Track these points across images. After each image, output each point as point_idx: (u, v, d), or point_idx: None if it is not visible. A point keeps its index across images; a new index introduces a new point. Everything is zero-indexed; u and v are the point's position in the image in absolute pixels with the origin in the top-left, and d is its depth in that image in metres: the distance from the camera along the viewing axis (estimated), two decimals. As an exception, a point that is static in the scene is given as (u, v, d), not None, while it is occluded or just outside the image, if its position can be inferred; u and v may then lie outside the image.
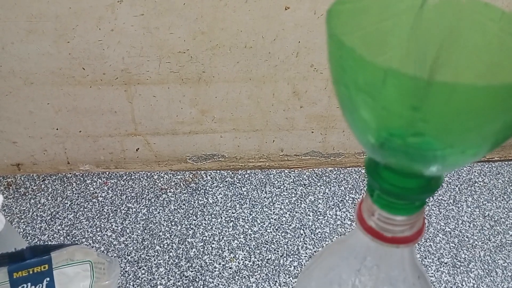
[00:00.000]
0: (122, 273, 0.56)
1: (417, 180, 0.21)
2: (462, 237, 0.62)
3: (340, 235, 0.62)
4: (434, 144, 0.16)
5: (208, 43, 0.58)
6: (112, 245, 0.59)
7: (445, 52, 0.18)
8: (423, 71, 0.17)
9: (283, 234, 0.61)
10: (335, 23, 0.18)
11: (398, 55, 0.19)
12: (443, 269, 0.58)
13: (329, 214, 0.65)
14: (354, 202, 0.67)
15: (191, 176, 0.70)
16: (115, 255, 0.58)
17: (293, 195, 0.68)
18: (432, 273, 0.57)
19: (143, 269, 0.56)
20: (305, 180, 0.71)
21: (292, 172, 0.72)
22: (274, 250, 0.59)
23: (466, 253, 0.60)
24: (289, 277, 0.56)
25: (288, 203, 0.66)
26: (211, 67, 0.61)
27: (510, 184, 0.70)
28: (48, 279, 0.37)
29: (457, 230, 0.63)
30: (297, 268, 0.57)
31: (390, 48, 0.20)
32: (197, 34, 0.57)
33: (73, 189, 0.67)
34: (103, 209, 0.64)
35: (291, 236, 0.61)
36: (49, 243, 0.58)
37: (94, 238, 0.60)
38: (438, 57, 0.17)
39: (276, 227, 0.62)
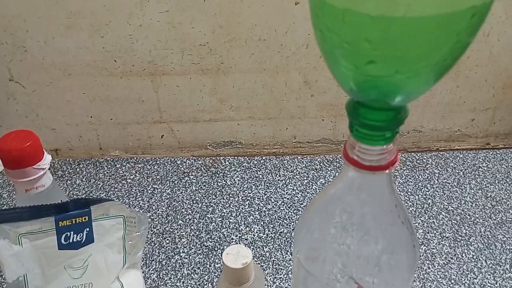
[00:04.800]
0: (148, 242, 0.62)
1: (386, 113, 0.26)
2: (464, 215, 0.66)
3: (348, 212, 0.67)
4: (384, 71, 0.22)
5: (226, 36, 0.65)
6: (140, 220, 0.66)
7: None
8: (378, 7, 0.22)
9: (295, 211, 0.67)
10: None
11: None
12: (444, 242, 0.61)
13: (339, 194, 0.69)
14: (362, 184, 0.71)
15: (211, 161, 0.76)
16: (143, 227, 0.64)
17: (305, 178, 0.73)
18: (434, 245, 0.61)
19: (167, 239, 0.62)
20: (317, 165, 0.76)
21: (305, 158, 0.77)
22: (287, 224, 0.64)
23: (467, 229, 0.63)
24: (299, 248, 0.61)
25: (300, 185, 0.71)
26: (229, 58, 0.67)
27: (513, 169, 0.74)
28: (88, 229, 0.43)
29: (459, 209, 0.67)
30: (307, 240, 0.62)
31: None
32: (216, 28, 0.64)
33: (105, 172, 0.74)
34: (131, 189, 0.71)
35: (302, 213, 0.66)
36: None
37: (123, 213, 0.66)
38: None
39: (289, 205, 0.68)
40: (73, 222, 0.43)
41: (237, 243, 0.62)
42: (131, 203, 0.68)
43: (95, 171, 0.75)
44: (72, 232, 0.43)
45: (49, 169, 0.43)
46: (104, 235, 0.44)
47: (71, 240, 0.43)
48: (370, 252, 0.31)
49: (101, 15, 0.62)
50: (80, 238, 0.43)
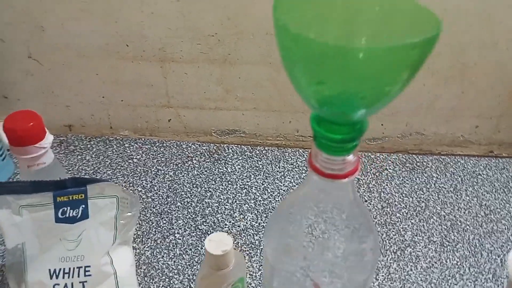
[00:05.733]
0: (146, 221, 0.65)
1: (344, 127, 0.28)
2: (455, 221, 0.67)
3: (341, 208, 0.68)
4: (332, 91, 0.23)
5: (234, 28, 0.66)
6: (141, 198, 0.69)
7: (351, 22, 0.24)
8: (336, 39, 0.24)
9: (289, 203, 0.69)
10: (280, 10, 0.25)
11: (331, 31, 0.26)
12: (431, 246, 0.63)
13: (334, 190, 0.71)
14: (359, 181, 0.73)
15: (215, 148, 0.79)
16: (143, 206, 0.68)
17: (303, 172, 0.75)
18: (419, 248, 0.62)
19: (164, 220, 0.66)
20: (317, 159, 0.77)
21: (306, 152, 0.78)
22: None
23: (456, 235, 0.64)
24: (288, 239, 0.63)
25: (298, 178, 0.73)
26: (236, 50, 0.69)
27: (513, 179, 0.74)
28: (83, 206, 0.47)
29: (451, 215, 0.68)
30: (297, 232, 0.64)
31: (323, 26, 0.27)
32: (224, 20, 0.66)
33: (114, 150, 0.78)
34: (136, 169, 0.74)
35: (296, 205, 0.68)
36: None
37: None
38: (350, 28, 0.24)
39: (284, 197, 0.70)
40: (70, 198, 0.46)
41: (229, 229, 0.64)
42: (134, 181, 0.72)
43: (105, 148, 0.78)
44: (68, 208, 0.46)
45: (50, 148, 0.46)
46: (98, 212, 0.47)
47: (67, 215, 0.46)
48: (328, 253, 0.33)
49: (114, 1, 0.65)
50: (75, 213, 0.46)
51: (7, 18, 0.67)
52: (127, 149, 0.78)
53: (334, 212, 0.32)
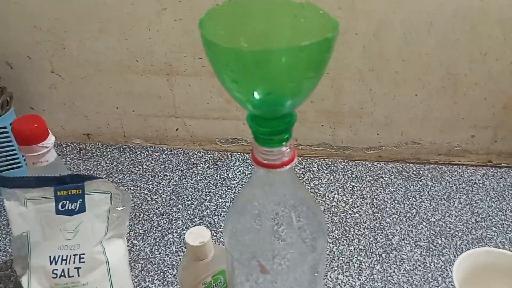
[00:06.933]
0: (149, 221, 0.71)
1: (275, 121, 0.32)
2: (444, 227, 0.68)
3: (332, 214, 0.71)
4: (245, 89, 0.28)
5: (231, 44, 0.72)
6: (146, 201, 0.75)
7: (269, 32, 0.29)
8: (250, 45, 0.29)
9: (282, 207, 0.72)
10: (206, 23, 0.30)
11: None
12: (417, 250, 0.64)
13: (328, 196, 0.74)
14: (353, 189, 0.76)
15: (219, 155, 0.84)
16: (147, 207, 0.73)
17: (300, 179, 0.78)
18: (405, 252, 0.64)
19: (165, 220, 0.71)
20: (314, 167, 0.81)
21: (305, 160, 0.82)
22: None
23: (443, 240, 0.66)
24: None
25: (295, 184, 0.77)
26: (235, 64, 0.74)
27: (509, 189, 0.74)
28: (81, 200, 0.52)
29: (441, 221, 0.69)
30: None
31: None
32: (222, 36, 0.71)
33: (126, 157, 0.84)
34: (145, 174, 0.80)
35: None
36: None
37: (134, 193, 0.76)
38: (265, 35, 0.29)
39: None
40: (69, 193, 0.52)
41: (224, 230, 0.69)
42: (142, 185, 0.78)
43: (118, 155, 0.85)
44: (68, 201, 0.52)
45: (53, 147, 0.52)
46: (94, 206, 0.53)
47: (66, 208, 0.52)
48: (273, 239, 0.37)
49: (126, 21, 0.72)
50: (74, 207, 0.52)
51: (38, 37, 0.76)
52: (139, 156, 0.85)
53: (277, 201, 0.36)
